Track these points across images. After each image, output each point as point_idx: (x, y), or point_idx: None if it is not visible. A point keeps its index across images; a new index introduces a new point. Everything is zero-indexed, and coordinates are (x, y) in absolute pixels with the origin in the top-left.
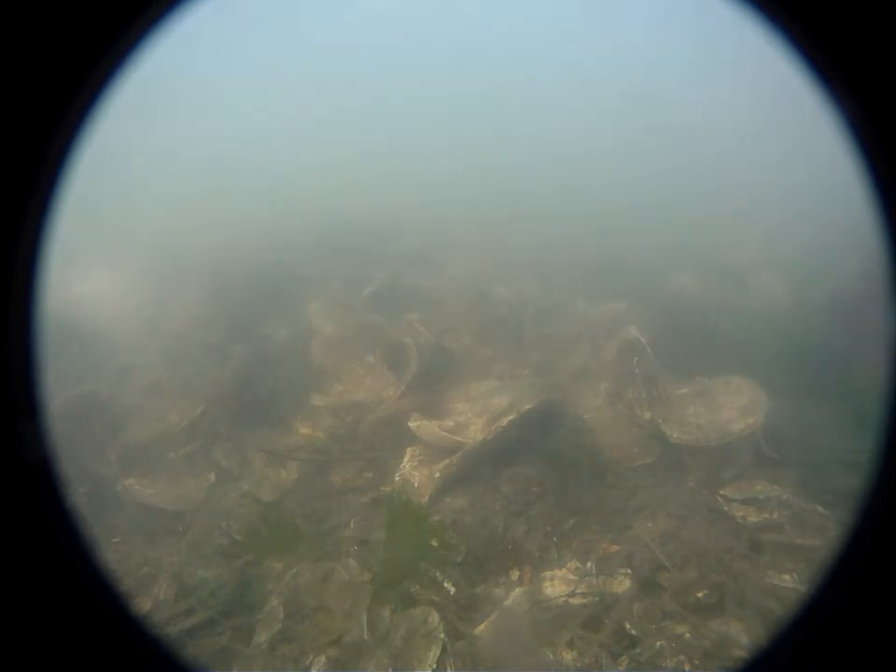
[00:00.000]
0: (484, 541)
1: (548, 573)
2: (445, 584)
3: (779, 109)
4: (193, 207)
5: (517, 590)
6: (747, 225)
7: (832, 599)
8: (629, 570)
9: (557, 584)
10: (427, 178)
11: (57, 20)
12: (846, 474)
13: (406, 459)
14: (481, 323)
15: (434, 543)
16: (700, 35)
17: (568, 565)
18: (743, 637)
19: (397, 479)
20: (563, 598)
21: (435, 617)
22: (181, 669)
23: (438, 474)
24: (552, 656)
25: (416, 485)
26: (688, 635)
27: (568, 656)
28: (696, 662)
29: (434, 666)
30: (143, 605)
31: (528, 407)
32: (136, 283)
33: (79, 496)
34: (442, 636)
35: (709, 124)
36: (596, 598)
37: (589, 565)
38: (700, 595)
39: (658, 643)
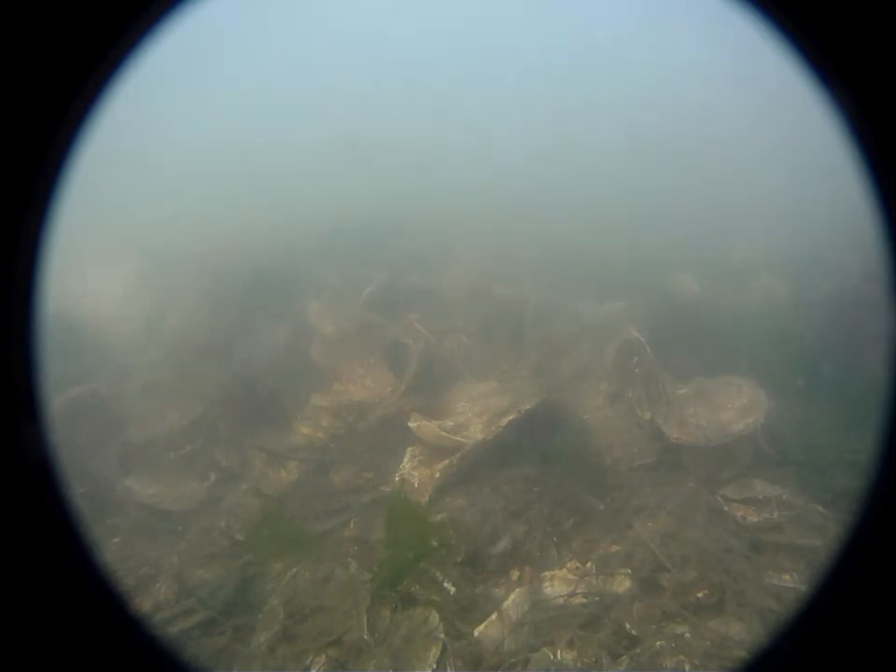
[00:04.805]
0: (485, 541)
1: (548, 573)
2: (445, 584)
3: (779, 109)
4: (194, 207)
5: (517, 590)
6: (746, 224)
7: (832, 599)
8: (629, 570)
9: (557, 584)
10: (426, 178)
11: (59, 17)
12: (846, 474)
13: (406, 459)
14: (481, 323)
15: (434, 543)
16: (698, 35)
17: (568, 565)
18: (743, 636)
19: (397, 479)
20: (563, 598)
21: (435, 617)
22: (181, 669)
23: (438, 474)
24: (552, 656)
25: (416, 485)
26: (688, 635)
27: (568, 656)
28: (696, 662)
29: (434, 666)
30: (143, 605)
31: (528, 407)
32: (136, 283)
33: (79, 496)
34: (442, 636)
35: (709, 124)
36: (596, 598)
37: (589, 565)
38: (700, 594)
39: (658, 643)
